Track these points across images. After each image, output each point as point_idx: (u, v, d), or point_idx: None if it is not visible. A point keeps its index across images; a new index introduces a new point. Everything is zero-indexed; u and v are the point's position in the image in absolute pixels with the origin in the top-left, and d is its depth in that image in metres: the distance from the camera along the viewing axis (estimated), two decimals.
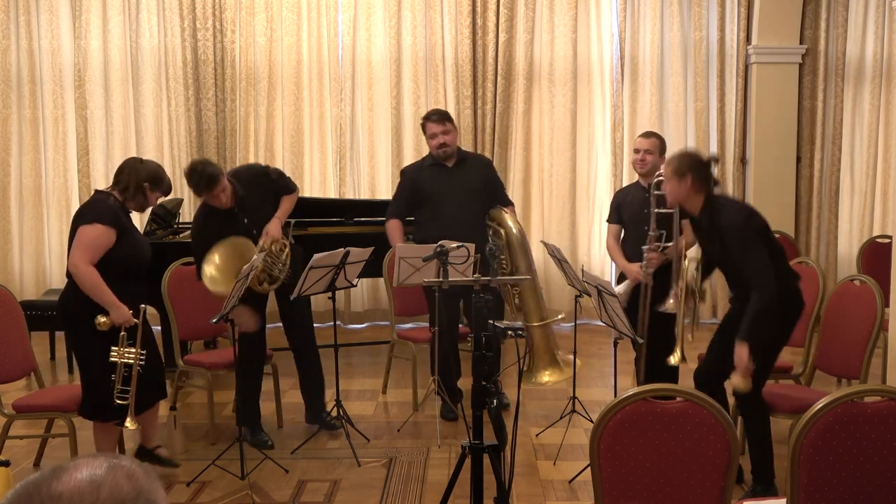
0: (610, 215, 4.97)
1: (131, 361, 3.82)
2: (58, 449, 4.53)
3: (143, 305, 3.85)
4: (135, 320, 3.82)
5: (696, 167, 3.81)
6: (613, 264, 7.60)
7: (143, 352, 3.86)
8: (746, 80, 7.64)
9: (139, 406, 3.95)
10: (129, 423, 3.86)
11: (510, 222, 5.12)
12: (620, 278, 4.89)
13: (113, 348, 3.79)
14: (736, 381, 3.65)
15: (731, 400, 3.95)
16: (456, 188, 5.03)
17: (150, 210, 5.89)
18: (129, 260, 3.90)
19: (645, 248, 4.48)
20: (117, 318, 3.80)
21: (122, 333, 3.81)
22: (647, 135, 4.84)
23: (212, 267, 4.36)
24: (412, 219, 5.26)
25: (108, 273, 3.81)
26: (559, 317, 5.04)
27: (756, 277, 3.60)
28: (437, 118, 5.07)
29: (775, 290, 3.58)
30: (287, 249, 4.54)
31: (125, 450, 4.44)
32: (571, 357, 5.25)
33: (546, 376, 5.18)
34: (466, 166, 5.14)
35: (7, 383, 4.26)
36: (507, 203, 5.33)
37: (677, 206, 4.04)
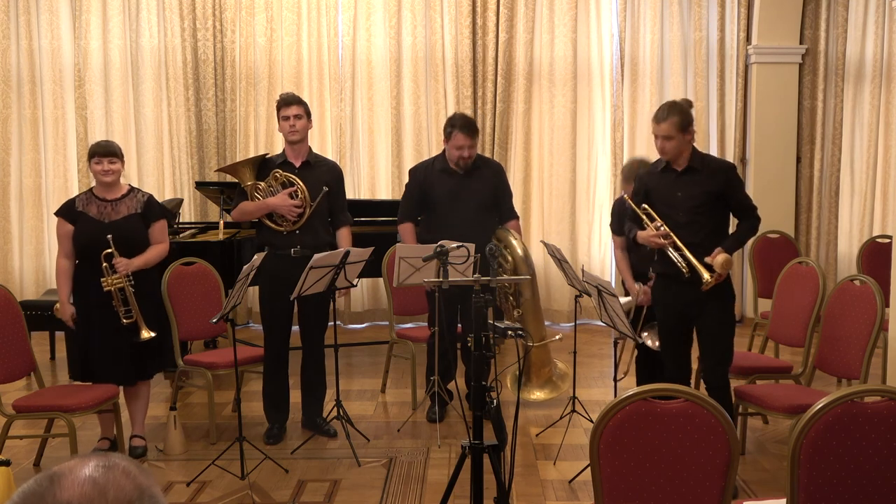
0: (612, 224, 4.88)
1: (122, 284, 4.24)
2: (58, 449, 4.53)
3: (109, 235, 4.22)
4: (69, 322, 4.36)
5: (691, 118, 3.89)
6: (613, 264, 7.64)
7: (130, 276, 4.25)
8: (746, 80, 7.64)
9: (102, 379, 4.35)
10: (144, 334, 4.27)
11: (516, 245, 5.06)
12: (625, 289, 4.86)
13: (102, 280, 4.21)
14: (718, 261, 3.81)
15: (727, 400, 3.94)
16: (466, 196, 4.93)
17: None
18: (77, 244, 4.31)
19: (646, 285, 4.43)
20: (62, 312, 4.38)
21: (105, 265, 4.20)
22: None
23: None
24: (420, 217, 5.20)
25: (77, 256, 4.33)
26: (557, 337, 5.08)
27: (751, 207, 4.03)
28: (467, 131, 4.85)
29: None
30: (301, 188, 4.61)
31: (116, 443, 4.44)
32: (566, 371, 5.27)
33: (537, 394, 5.22)
34: (478, 174, 5.01)
35: (7, 383, 4.27)
36: (512, 215, 5.20)
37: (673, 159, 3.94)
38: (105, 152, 4.29)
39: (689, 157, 3.92)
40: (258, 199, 4.58)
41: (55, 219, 4.41)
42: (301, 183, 4.57)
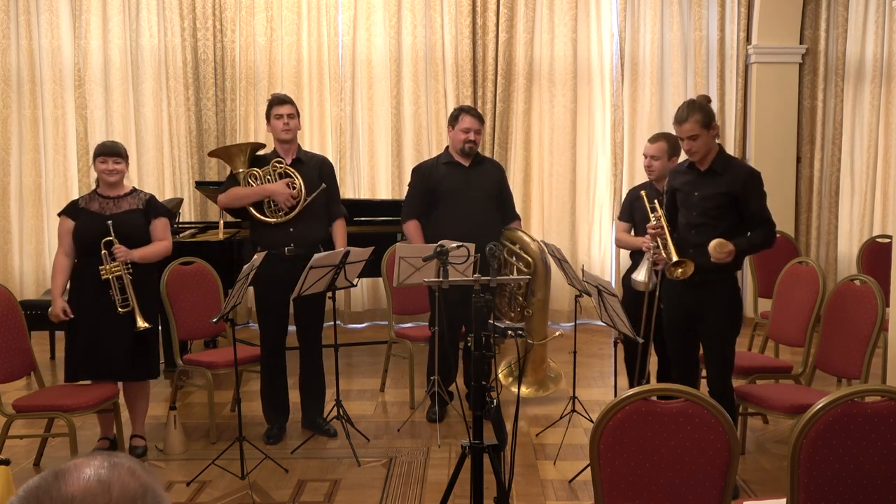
0: (621, 213, 4.91)
1: (120, 272, 4.23)
2: (58, 449, 4.54)
3: (108, 222, 4.23)
4: (62, 317, 4.27)
5: (713, 113, 3.81)
6: (613, 264, 7.65)
7: (129, 265, 4.24)
8: (746, 79, 7.64)
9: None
10: (140, 323, 4.23)
11: (530, 242, 5.08)
12: (632, 267, 4.75)
13: (101, 268, 4.22)
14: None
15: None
16: (472, 187, 5.00)
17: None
18: (77, 238, 4.31)
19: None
20: (53, 306, 4.30)
21: (104, 252, 4.20)
22: (655, 138, 4.70)
23: None
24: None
25: (77, 252, 4.32)
26: (557, 334, 5.08)
27: (766, 220, 3.87)
28: (475, 114, 5.02)
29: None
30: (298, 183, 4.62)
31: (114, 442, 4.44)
32: (559, 372, 5.25)
33: (524, 389, 5.18)
34: (482, 168, 5.11)
35: (7, 383, 4.27)
36: (515, 215, 5.27)
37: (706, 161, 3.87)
38: (110, 152, 4.31)
39: (714, 159, 3.85)
40: (251, 185, 4.60)
41: (55, 219, 4.42)
42: (299, 176, 4.61)
